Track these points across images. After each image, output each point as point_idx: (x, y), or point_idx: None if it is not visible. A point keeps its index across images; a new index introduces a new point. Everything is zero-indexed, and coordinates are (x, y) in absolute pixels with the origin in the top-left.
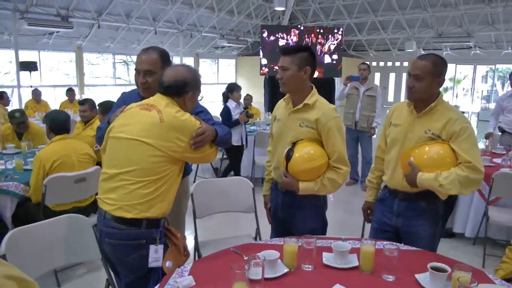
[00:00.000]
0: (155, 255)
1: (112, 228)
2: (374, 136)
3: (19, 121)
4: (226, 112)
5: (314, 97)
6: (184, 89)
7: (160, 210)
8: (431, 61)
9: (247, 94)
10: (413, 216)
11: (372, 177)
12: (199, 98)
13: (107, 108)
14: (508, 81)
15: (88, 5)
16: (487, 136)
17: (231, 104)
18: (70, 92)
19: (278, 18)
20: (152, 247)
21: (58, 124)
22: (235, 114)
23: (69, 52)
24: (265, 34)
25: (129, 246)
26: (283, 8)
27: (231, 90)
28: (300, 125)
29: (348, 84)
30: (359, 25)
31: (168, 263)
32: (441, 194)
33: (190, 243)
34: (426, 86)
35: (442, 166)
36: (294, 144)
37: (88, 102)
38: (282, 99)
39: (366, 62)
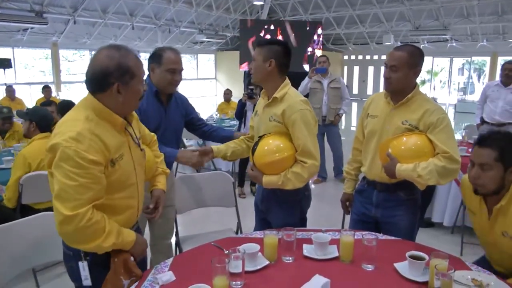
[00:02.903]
0: (84, 272)
1: None
2: (343, 127)
3: (5, 116)
4: (239, 105)
5: (283, 90)
6: (105, 81)
7: None
8: (407, 52)
9: (227, 89)
10: (392, 206)
11: (350, 168)
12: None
13: (67, 108)
14: (484, 73)
15: (63, 1)
16: (478, 127)
17: None
18: (46, 89)
19: (257, 12)
20: (80, 264)
21: (47, 121)
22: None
23: (44, 48)
24: None
25: (64, 254)
26: (261, 3)
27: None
28: (269, 119)
29: (312, 79)
30: (337, 19)
31: None
32: (419, 184)
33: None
34: (402, 77)
35: (420, 157)
36: (260, 137)
37: (53, 104)
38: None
39: (324, 55)
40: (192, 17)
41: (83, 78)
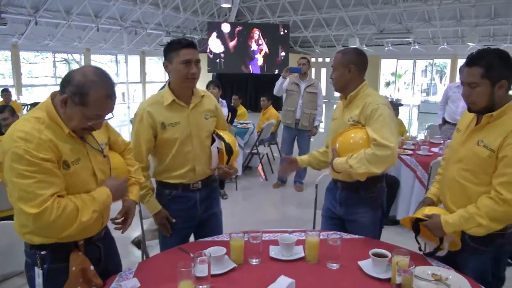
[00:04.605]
0: (38, 279)
1: None
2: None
3: None
4: None
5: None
6: (64, 87)
7: (38, 240)
8: (341, 53)
9: None
10: (354, 204)
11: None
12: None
13: None
14: (445, 75)
15: (23, 0)
16: (440, 127)
17: None
18: (5, 93)
19: (225, 15)
20: (36, 270)
21: None
22: None
23: (3, 50)
24: None
25: (25, 263)
26: (229, 5)
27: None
28: (205, 117)
29: (287, 79)
30: (304, 22)
31: None
32: (355, 175)
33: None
34: (338, 76)
35: (357, 149)
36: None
37: (7, 109)
38: (162, 102)
39: (305, 57)
40: (159, 19)
41: (46, 81)
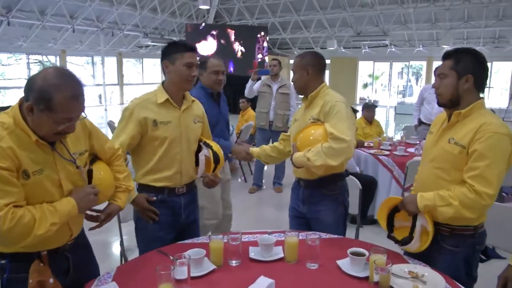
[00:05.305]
0: None
1: None
2: None
3: None
4: None
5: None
6: (27, 94)
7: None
8: (299, 56)
9: None
10: (316, 202)
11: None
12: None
13: None
14: (421, 77)
15: None
16: (416, 128)
17: None
18: None
19: (203, 16)
20: None
21: None
22: None
23: None
24: None
25: None
26: (207, 7)
27: None
28: (194, 121)
29: (259, 81)
30: (283, 24)
31: None
32: (313, 168)
33: (116, 249)
34: (297, 78)
35: (314, 144)
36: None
37: None
38: (155, 100)
39: (276, 58)
40: (136, 20)
41: (20, 83)
